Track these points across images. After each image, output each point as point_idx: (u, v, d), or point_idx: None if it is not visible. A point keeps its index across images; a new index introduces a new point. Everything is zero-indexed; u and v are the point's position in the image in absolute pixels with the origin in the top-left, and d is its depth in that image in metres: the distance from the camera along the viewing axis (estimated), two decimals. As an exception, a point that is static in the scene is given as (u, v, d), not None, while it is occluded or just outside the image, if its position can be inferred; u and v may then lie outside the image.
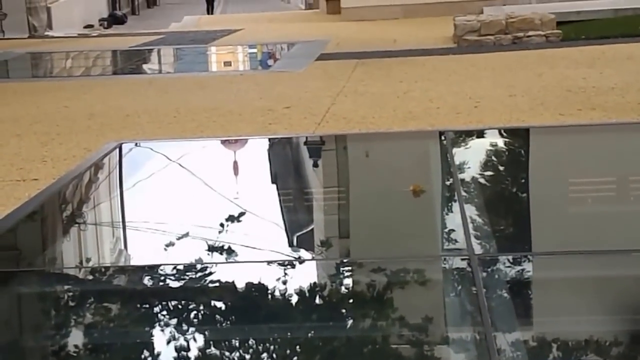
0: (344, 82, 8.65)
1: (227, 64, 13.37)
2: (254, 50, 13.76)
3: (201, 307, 2.37)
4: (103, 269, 2.70)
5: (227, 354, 2.11)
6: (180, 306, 2.36)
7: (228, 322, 2.32)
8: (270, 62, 12.37)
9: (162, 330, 2.22)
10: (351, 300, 2.44)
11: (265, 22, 19.05)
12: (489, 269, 2.50)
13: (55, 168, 5.55)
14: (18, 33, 16.75)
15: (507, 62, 9.64)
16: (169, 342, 2.14)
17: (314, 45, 12.44)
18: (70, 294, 2.59)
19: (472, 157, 3.47)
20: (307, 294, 2.39)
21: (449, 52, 11.02)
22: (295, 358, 2.06)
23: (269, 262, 2.60)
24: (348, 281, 2.60)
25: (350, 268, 2.63)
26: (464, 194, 2.97)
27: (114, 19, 25.67)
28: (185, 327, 2.20)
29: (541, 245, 2.80)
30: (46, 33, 17.62)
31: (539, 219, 2.91)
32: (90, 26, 22.13)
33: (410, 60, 10.34)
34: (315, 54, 11.29)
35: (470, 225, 2.68)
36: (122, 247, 2.86)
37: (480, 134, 4.59)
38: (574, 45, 10.80)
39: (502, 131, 4.61)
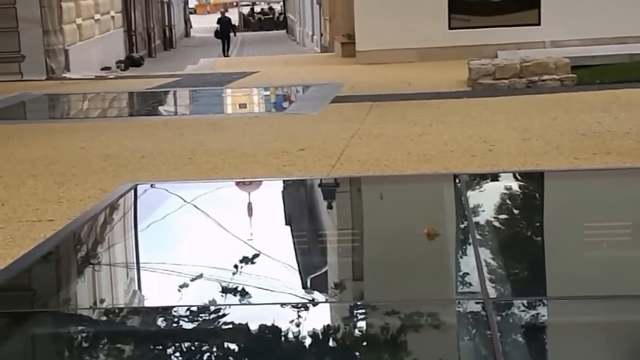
0: (359, 125, 8.68)
1: (243, 106, 13.44)
2: (269, 93, 13.84)
3: (214, 349, 2.37)
4: (117, 310, 2.70)
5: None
6: (193, 348, 2.36)
7: (241, 365, 2.31)
8: (285, 104, 12.44)
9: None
10: (365, 344, 2.43)
11: (281, 65, 19.17)
12: (504, 313, 2.49)
13: (71, 209, 5.58)
14: (36, 75, 16.92)
15: (522, 106, 9.65)
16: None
17: (329, 87, 12.50)
18: (84, 335, 2.59)
19: (486, 200, 3.47)
20: (321, 337, 2.38)
21: (463, 95, 11.05)
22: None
23: (283, 305, 2.59)
24: (362, 324, 2.59)
25: (363, 311, 2.62)
26: (478, 237, 2.97)
27: (131, 61, 25.88)
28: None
29: (556, 289, 2.78)
30: (64, 75, 17.78)
31: (554, 263, 2.89)
32: (107, 68, 22.32)
33: (424, 103, 10.37)
34: (330, 97, 11.34)
35: (485, 269, 2.67)
36: (136, 288, 2.86)
37: (494, 177, 4.59)
38: (588, 90, 10.81)
39: (517, 175, 4.61)
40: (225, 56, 32.82)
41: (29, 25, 17.10)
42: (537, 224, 3.31)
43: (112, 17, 25.51)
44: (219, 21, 35.95)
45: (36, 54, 17.23)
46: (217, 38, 35.20)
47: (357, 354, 2.35)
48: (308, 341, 2.35)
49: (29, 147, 8.23)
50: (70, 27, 19.66)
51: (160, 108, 12.92)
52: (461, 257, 2.90)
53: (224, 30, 35.32)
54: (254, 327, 2.48)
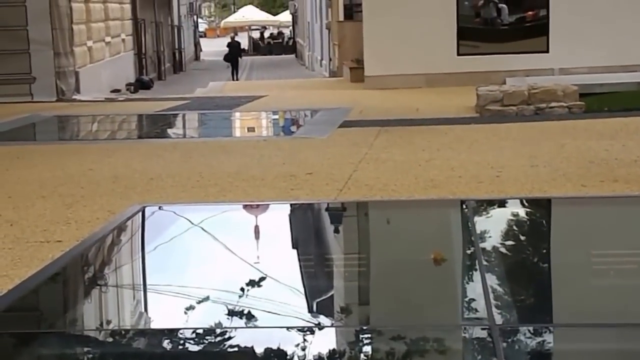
0: (367, 150, 8.69)
1: (251, 129, 13.49)
2: (278, 117, 13.89)
3: (220, 372, 2.37)
4: (123, 332, 2.71)
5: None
6: (199, 370, 2.36)
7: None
8: (293, 128, 12.47)
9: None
10: (370, 368, 2.42)
11: (289, 89, 19.24)
12: (510, 340, 2.49)
13: (79, 230, 5.59)
14: (46, 96, 16.99)
15: (530, 133, 9.66)
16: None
17: (337, 112, 12.54)
18: (91, 356, 2.60)
19: (493, 226, 3.47)
20: (326, 361, 2.38)
21: (471, 121, 11.07)
22: None
23: (289, 328, 2.60)
24: (367, 349, 2.59)
25: (369, 335, 2.63)
26: (485, 263, 2.97)
27: (140, 84, 26.01)
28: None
29: (562, 316, 2.78)
30: (74, 97, 17.85)
31: (561, 290, 2.89)
32: (117, 90, 22.43)
33: (432, 128, 10.39)
34: (338, 121, 11.37)
35: (492, 295, 2.67)
36: (143, 310, 2.86)
37: (501, 203, 4.59)
38: (596, 117, 10.82)
39: (524, 201, 4.61)
40: (234, 80, 32.98)
41: (40, 48, 17.19)
42: (544, 251, 3.31)
43: (123, 40, 25.66)
44: (229, 45, 36.18)
45: (47, 76, 17.32)
46: (226, 62, 35.41)
47: (363, 378, 2.35)
48: (314, 365, 2.35)
49: (38, 168, 8.26)
50: (81, 50, 19.78)
51: (169, 131, 12.96)
52: (468, 283, 2.90)
53: (234, 54, 35.54)
54: (259, 350, 2.48)
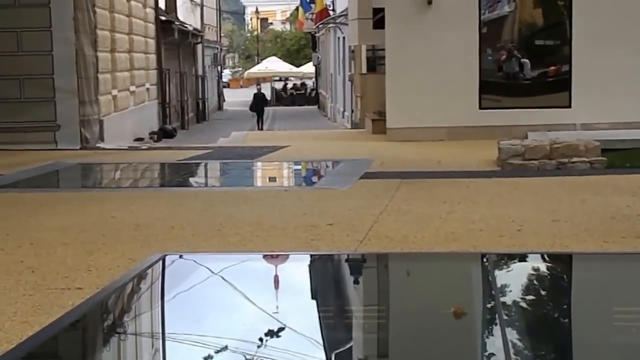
0: (387, 201, 8.70)
1: (272, 179, 13.53)
2: (299, 167, 13.93)
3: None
4: (141, 380, 2.70)
5: None
6: (216, 421, 2.35)
7: None
8: (314, 178, 12.51)
9: None
10: (388, 422, 2.40)
11: (311, 140, 19.34)
12: (530, 396, 2.46)
13: (100, 277, 5.61)
14: (70, 144, 17.13)
15: (551, 187, 9.64)
16: None
17: (359, 163, 12.57)
18: (108, 404, 2.59)
19: (514, 280, 3.46)
20: (344, 414, 2.37)
21: (492, 175, 11.07)
22: None
23: (307, 380, 2.58)
24: (385, 402, 2.57)
25: (388, 388, 2.61)
26: (505, 317, 2.95)
27: (164, 133, 26.22)
28: None
29: (583, 373, 2.75)
30: (97, 145, 17.99)
31: (581, 347, 2.87)
32: (140, 139, 22.60)
33: (454, 181, 10.39)
34: (359, 173, 11.40)
35: (512, 350, 2.65)
36: (161, 359, 2.86)
37: (522, 257, 4.57)
38: (618, 173, 10.79)
39: (545, 256, 4.58)
40: (259, 129, 33.34)
41: (66, 96, 17.37)
42: (565, 307, 3.28)
43: (147, 89, 25.94)
44: (255, 95, 36.68)
45: (71, 124, 17.48)
46: (251, 111, 36.01)
47: None
48: (331, 418, 2.33)
49: (61, 215, 8.32)
50: (106, 98, 19.99)
51: (191, 179, 13.04)
52: (487, 338, 2.88)
53: (259, 104, 36.09)
54: (277, 401, 2.47)
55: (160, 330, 3.04)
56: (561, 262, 4.05)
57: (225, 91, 55.47)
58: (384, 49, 18.39)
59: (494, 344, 2.75)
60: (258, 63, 64.41)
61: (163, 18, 29.26)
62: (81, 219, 7.99)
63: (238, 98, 51.53)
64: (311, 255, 5.11)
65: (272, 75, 58.88)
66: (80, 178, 13.36)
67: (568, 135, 13.51)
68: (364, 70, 24.50)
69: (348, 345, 2.84)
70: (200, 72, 40.47)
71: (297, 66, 61.01)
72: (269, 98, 45.04)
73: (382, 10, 17.97)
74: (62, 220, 7.94)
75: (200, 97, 40.13)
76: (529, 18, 17.52)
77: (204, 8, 43.67)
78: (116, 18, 21.76)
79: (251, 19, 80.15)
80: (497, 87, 17.25)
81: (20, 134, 16.94)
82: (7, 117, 17.04)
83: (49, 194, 10.24)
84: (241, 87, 68.46)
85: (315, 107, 48.92)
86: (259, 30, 76.37)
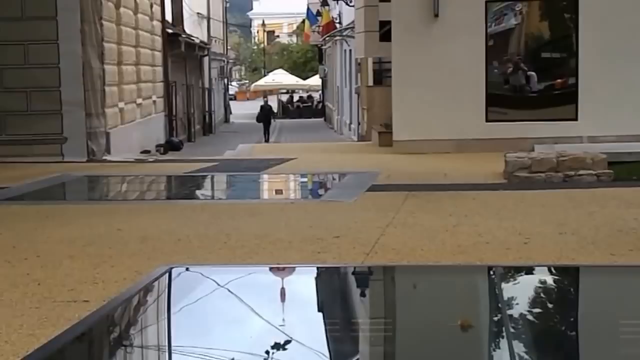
0: (394, 214, 8.69)
1: (279, 192, 13.53)
2: (306, 180, 13.94)
3: None
4: (147, 393, 2.70)
5: None
6: None
7: None
8: (321, 191, 12.50)
9: None
10: None
11: (318, 152, 19.36)
12: (536, 409, 2.45)
13: (106, 290, 5.62)
14: (77, 156, 17.16)
15: (558, 200, 9.63)
16: None
17: (365, 176, 12.57)
18: (114, 417, 2.59)
19: (521, 293, 3.45)
20: None
21: (499, 187, 11.06)
22: None
23: (313, 392, 2.58)
24: (392, 415, 2.56)
25: (394, 402, 2.60)
26: (512, 330, 2.95)
27: (170, 145, 26.27)
28: None
29: (591, 387, 2.74)
30: (104, 157, 18.03)
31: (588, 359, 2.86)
32: (147, 151, 22.64)
33: (460, 194, 10.38)
34: (366, 185, 11.40)
35: (518, 363, 2.65)
36: (168, 372, 2.86)
37: (529, 270, 4.56)
38: (625, 186, 10.77)
39: (552, 269, 4.57)
40: (266, 140, 33.52)
41: (73, 109, 17.42)
42: (572, 319, 3.27)
43: (154, 101, 26.00)
44: (262, 108, 36.98)
45: (78, 137, 17.52)
46: (258, 122, 36.51)
47: None
48: None
49: (67, 227, 8.33)
50: (113, 111, 20.04)
51: (198, 192, 13.04)
52: (494, 350, 2.87)
53: (266, 116, 36.45)
54: (283, 414, 2.46)
55: (167, 343, 3.04)
56: (568, 275, 4.04)
57: (232, 104, 55.58)
58: (390, 62, 18.41)
59: (501, 357, 2.74)
60: (265, 76, 64.54)
61: (170, 31, 29.35)
62: (87, 232, 8.00)
63: (245, 111, 51.61)
64: (317, 268, 5.11)
65: (279, 87, 58.98)
66: (86, 190, 13.38)
67: (575, 148, 13.49)
68: (371, 83, 24.52)
69: (354, 359, 2.84)
70: (207, 85, 40.57)
71: (304, 79, 61.10)
72: (275, 110, 45.18)
73: (388, 23, 17.99)
74: (69, 233, 7.94)
75: (206, 109, 40.21)
76: (536, 31, 17.52)
77: (211, 21, 43.81)
78: (123, 31, 21.83)
79: (258, 32, 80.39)
80: (503, 99, 17.24)
81: (27, 146, 16.99)
82: (14, 129, 17.10)
83: (56, 206, 10.25)
84: (248, 99, 68.59)
85: (322, 119, 48.97)
86: (266, 43, 76.55)
